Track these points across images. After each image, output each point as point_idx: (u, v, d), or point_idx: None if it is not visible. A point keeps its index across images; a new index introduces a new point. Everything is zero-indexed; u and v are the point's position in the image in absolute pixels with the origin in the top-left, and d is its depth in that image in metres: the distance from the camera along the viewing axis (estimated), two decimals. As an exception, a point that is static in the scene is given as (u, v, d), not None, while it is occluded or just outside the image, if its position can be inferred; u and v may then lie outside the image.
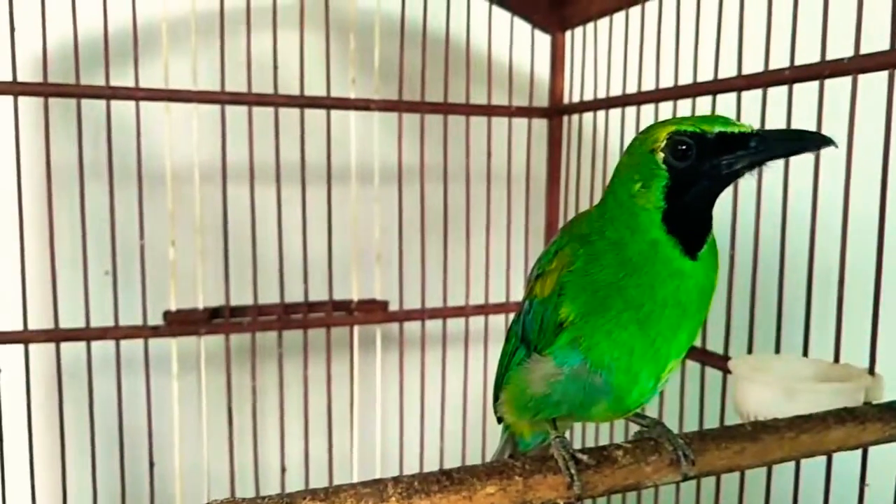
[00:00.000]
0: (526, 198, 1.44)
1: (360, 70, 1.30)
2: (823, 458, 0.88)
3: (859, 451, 0.82)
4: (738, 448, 0.67)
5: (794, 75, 0.96)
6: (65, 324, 1.15)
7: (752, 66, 1.02)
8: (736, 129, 0.61)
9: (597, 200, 1.33)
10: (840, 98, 0.91)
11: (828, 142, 0.59)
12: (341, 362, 1.33)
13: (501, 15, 1.39)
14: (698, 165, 0.61)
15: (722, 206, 1.06)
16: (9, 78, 1.09)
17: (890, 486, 0.84)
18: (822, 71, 0.92)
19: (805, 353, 0.97)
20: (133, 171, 1.18)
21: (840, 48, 0.90)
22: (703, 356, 1.12)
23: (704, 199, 0.63)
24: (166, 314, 1.22)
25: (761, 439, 0.67)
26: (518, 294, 1.45)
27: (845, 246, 0.91)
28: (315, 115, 1.26)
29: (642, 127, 1.22)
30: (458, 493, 0.59)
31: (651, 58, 1.21)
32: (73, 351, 1.18)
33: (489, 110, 1.38)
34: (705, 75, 1.10)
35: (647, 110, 1.21)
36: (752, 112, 1.01)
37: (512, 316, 1.41)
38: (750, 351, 1.04)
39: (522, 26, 1.42)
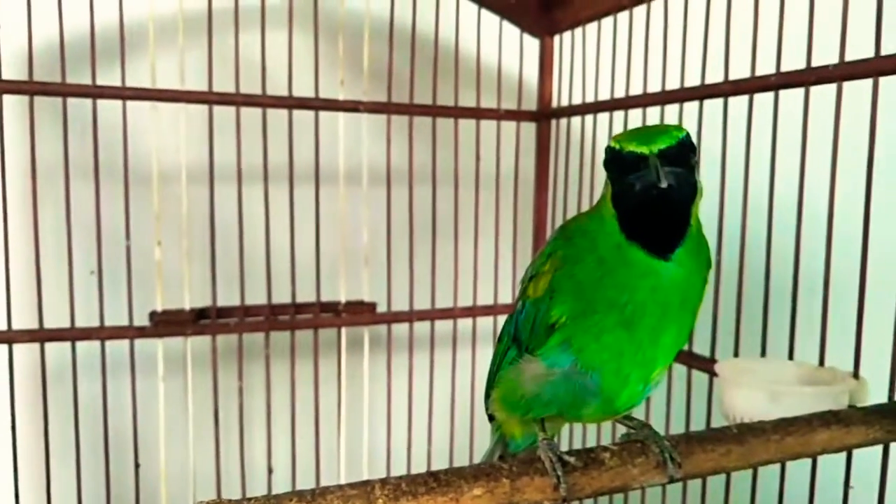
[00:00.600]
0: (514, 201, 1.45)
1: (348, 72, 1.30)
2: (808, 461, 0.89)
3: (844, 454, 0.83)
4: (724, 450, 0.67)
5: (780, 81, 0.97)
6: (49, 324, 1.14)
7: (739, 72, 1.03)
8: (640, 151, 0.61)
9: (585, 204, 1.34)
10: (825, 104, 0.92)
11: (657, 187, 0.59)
12: (329, 364, 1.32)
13: (490, 18, 1.40)
14: (618, 179, 0.63)
15: (709, 210, 1.08)
16: (-6, 76, 1.09)
17: (874, 488, 0.85)
18: (808, 77, 0.93)
19: (790, 357, 0.98)
20: (119, 171, 1.17)
21: (826, 55, 0.91)
22: (690, 359, 1.13)
23: (639, 210, 0.62)
24: (152, 315, 1.21)
25: (747, 442, 0.68)
26: (506, 296, 1.45)
27: (830, 250, 0.92)
28: (303, 117, 1.26)
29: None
30: (446, 495, 0.59)
31: (639, 63, 1.22)
32: (57, 351, 1.17)
33: (478, 113, 1.38)
34: (692, 80, 1.11)
35: (635, 115, 1.22)
36: (738, 118, 1.02)
37: (500, 318, 1.42)
38: (736, 354, 1.05)
39: (511, 30, 1.42)
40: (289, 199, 1.24)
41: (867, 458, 0.83)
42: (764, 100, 1.00)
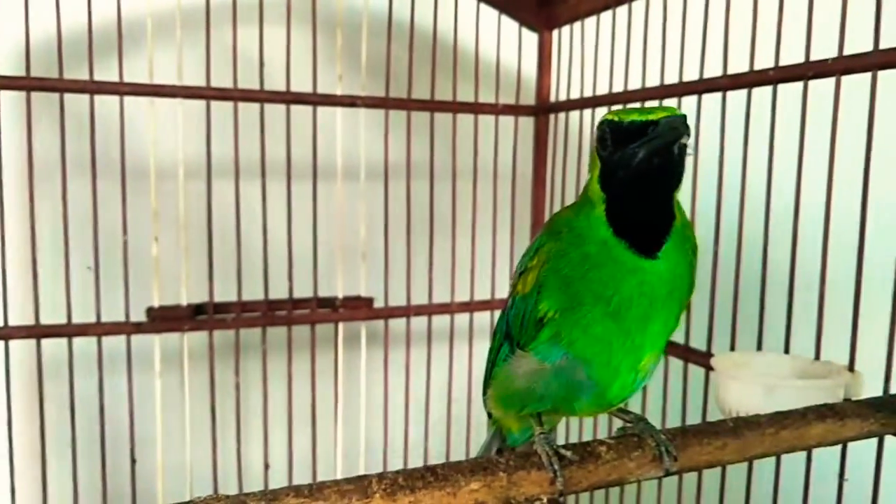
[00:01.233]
0: (512, 195, 1.45)
1: (346, 67, 1.29)
2: (803, 454, 0.89)
3: (839, 447, 0.83)
4: (719, 444, 0.67)
5: (778, 75, 0.97)
6: (46, 320, 1.14)
7: (738, 66, 1.03)
8: (645, 118, 0.60)
9: (582, 198, 1.34)
10: (824, 98, 0.92)
11: (680, 137, 0.58)
12: (326, 359, 1.32)
13: (489, 12, 1.39)
14: (614, 153, 0.62)
15: (705, 205, 1.08)
16: (-10, 71, 1.08)
17: (868, 481, 0.85)
18: (807, 71, 0.93)
19: (786, 351, 0.98)
20: (116, 166, 1.17)
21: (824, 49, 0.91)
22: (686, 353, 1.13)
23: (631, 188, 0.62)
24: (149, 310, 1.21)
25: (743, 435, 0.68)
26: (503, 292, 1.45)
27: (827, 244, 0.92)
28: (301, 112, 1.25)
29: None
30: (443, 490, 0.59)
31: (638, 57, 1.21)
32: (54, 347, 1.16)
33: (476, 108, 1.38)
34: (691, 75, 1.11)
35: (633, 109, 1.22)
36: (737, 111, 1.02)
37: (497, 313, 1.42)
38: (732, 348, 1.05)
39: (510, 24, 1.42)
40: (286, 195, 1.24)
41: (862, 450, 0.83)
42: (762, 94, 1.00)
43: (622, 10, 1.25)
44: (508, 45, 1.41)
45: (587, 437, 1.23)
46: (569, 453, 0.63)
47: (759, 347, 1.02)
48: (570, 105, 1.38)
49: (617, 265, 0.63)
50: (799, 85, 0.95)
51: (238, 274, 1.24)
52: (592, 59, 1.32)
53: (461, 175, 1.38)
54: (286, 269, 1.26)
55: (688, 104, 1.11)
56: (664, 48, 1.16)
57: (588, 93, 1.34)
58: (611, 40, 1.27)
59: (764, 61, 0.99)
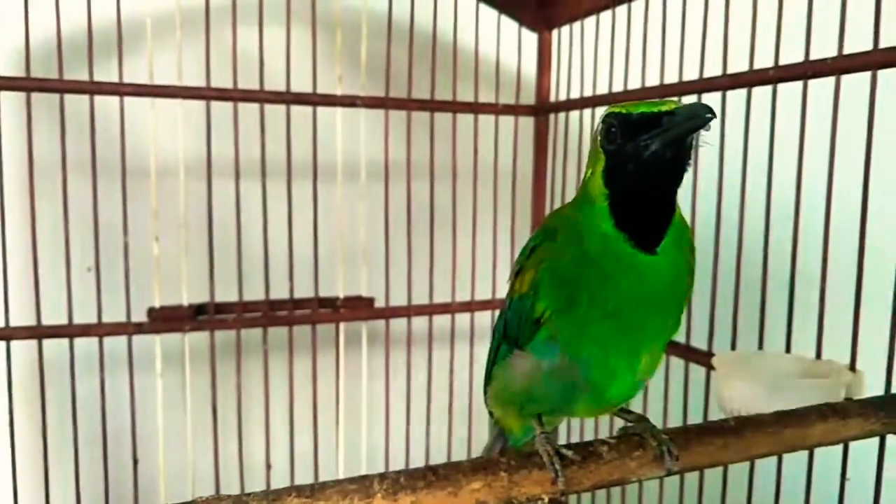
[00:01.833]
0: (512, 195, 1.45)
1: (346, 67, 1.29)
2: (805, 453, 0.89)
3: (840, 447, 0.83)
4: (721, 443, 0.67)
5: (778, 75, 0.97)
6: (47, 320, 1.14)
7: (737, 65, 1.03)
8: (657, 109, 0.59)
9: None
10: (823, 97, 0.92)
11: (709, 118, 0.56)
12: (327, 359, 1.32)
13: (489, 12, 1.39)
14: (623, 146, 0.60)
15: (706, 204, 1.08)
16: (-10, 72, 1.08)
17: (870, 480, 0.85)
18: (806, 71, 0.93)
19: (788, 350, 0.98)
20: (117, 167, 1.17)
21: (824, 48, 0.91)
22: (687, 352, 1.13)
23: (639, 183, 0.60)
24: (150, 311, 1.21)
25: (744, 435, 0.68)
26: (504, 291, 1.45)
27: (827, 243, 0.92)
28: (301, 112, 1.25)
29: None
30: (444, 489, 0.59)
31: (637, 57, 1.21)
32: (55, 348, 1.16)
33: (476, 108, 1.38)
34: (691, 74, 1.11)
35: (633, 109, 1.22)
36: (737, 111, 1.02)
37: (497, 313, 1.41)
38: (733, 347, 1.05)
39: (509, 24, 1.42)
40: (286, 195, 1.24)
41: (864, 450, 0.83)
42: (762, 93, 1.00)
43: (622, 10, 1.25)
44: (508, 44, 1.41)
45: (588, 437, 1.23)
46: (570, 453, 0.63)
47: (761, 346, 1.02)
48: (569, 105, 1.38)
49: (615, 261, 0.62)
50: (799, 84, 0.95)
51: (239, 274, 1.24)
52: (592, 58, 1.32)
53: (461, 175, 1.38)
54: (287, 270, 1.26)
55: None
56: (664, 48, 1.16)
57: (588, 92, 1.34)
58: (610, 40, 1.27)
59: (764, 60, 0.99)
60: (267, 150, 1.22)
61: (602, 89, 1.30)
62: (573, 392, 0.67)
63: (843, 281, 0.90)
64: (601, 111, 1.30)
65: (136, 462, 1.22)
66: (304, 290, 1.29)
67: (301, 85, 1.25)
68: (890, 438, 0.82)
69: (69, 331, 1.15)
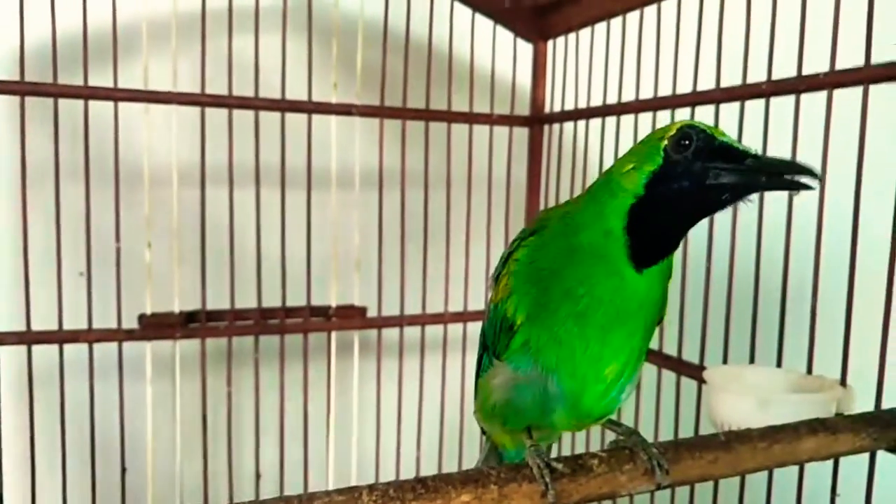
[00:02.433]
0: (506, 205, 1.45)
1: (342, 75, 1.29)
2: (796, 468, 0.89)
3: (831, 462, 0.83)
4: (711, 457, 0.67)
5: (771, 89, 0.97)
6: (37, 326, 1.13)
7: (731, 79, 1.04)
8: (740, 147, 0.59)
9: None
10: (816, 112, 0.92)
11: (808, 185, 0.58)
12: (318, 368, 1.32)
13: (484, 23, 1.40)
14: (691, 162, 0.59)
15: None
16: (-16, 76, 1.08)
17: (860, 496, 0.85)
18: (799, 85, 0.94)
19: (779, 365, 0.98)
20: (110, 173, 1.17)
21: (816, 63, 0.92)
22: (679, 366, 1.13)
23: (680, 203, 0.60)
24: (141, 317, 1.21)
25: (735, 449, 0.68)
26: (497, 302, 1.45)
27: (819, 259, 0.92)
28: (296, 120, 1.25)
29: (622, 137, 1.23)
30: (433, 501, 0.58)
31: (632, 69, 1.22)
32: (45, 354, 1.16)
33: (471, 118, 1.39)
34: (685, 87, 1.11)
35: (627, 121, 1.23)
36: (730, 124, 1.03)
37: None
38: (725, 361, 1.05)
39: (505, 35, 1.43)
40: (280, 203, 1.24)
41: (854, 465, 0.83)
42: (755, 107, 1.00)
43: (616, 22, 1.25)
44: (503, 55, 1.42)
45: (579, 450, 1.23)
46: (560, 466, 0.63)
47: (752, 361, 1.02)
48: (564, 116, 1.39)
49: (602, 262, 0.62)
50: (791, 98, 0.95)
51: (231, 282, 1.23)
52: (587, 70, 1.33)
53: (456, 184, 1.38)
54: (279, 278, 1.25)
55: (681, 116, 1.12)
56: (658, 60, 1.17)
57: (582, 104, 1.34)
58: (605, 52, 1.27)
59: (757, 75, 1.00)
60: (261, 157, 1.22)
61: (596, 101, 1.31)
62: (548, 402, 0.67)
63: (834, 296, 0.91)
64: (595, 122, 1.31)
65: (124, 470, 1.21)
66: (296, 299, 1.28)
67: (296, 93, 1.25)
68: (880, 454, 0.82)
69: (59, 337, 1.15)
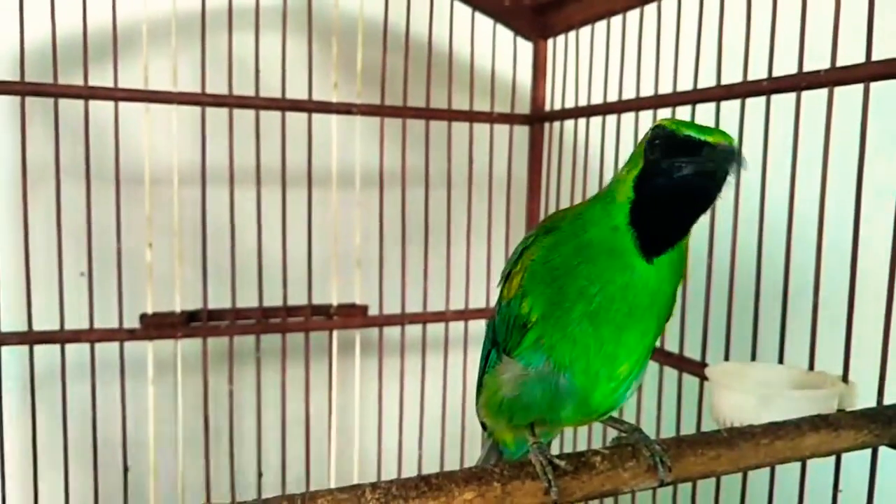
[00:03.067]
0: (507, 204, 1.45)
1: (342, 74, 1.29)
2: (798, 465, 0.89)
3: (833, 458, 0.83)
4: (714, 454, 0.67)
5: (771, 86, 0.97)
6: (39, 326, 1.13)
7: (731, 76, 1.03)
8: (702, 137, 0.60)
9: (577, 207, 1.34)
10: (817, 109, 0.92)
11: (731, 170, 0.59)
12: (320, 367, 1.32)
13: (484, 21, 1.40)
14: (661, 160, 0.61)
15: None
16: (-16, 76, 1.08)
17: (862, 492, 0.85)
18: (800, 82, 0.94)
19: (780, 361, 0.98)
20: (111, 172, 1.17)
21: (817, 60, 0.92)
22: (681, 363, 1.13)
23: (662, 198, 0.62)
24: (143, 317, 1.21)
25: (737, 446, 0.68)
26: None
27: (820, 255, 0.92)
28: (296, 119, 1.25)
29: (623, 135, 1.23)
30: (437, 499, 0.58)
31: (632, 67, 1.22)
32: (46, 353, 1.16)
33: (471, 116, 1.39)
34: (685, 85, 1.11)
35: (628, 119, 1.23)
36: (730, 122, 1.03)
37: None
38: (727, 358, 1.05)
39: (505, 33, 1.43)
40: (281, 201, 1.24)
41: (856, 462, 0.83)
42: (756, 104, 1.00)
43: (617, 20, 1.25)
44: (503, 54, 1.42)
45: (582, 447, 1.23)
46: (563, 463, 0.63)
47: (754, 357, 1.02)
48: (564, 114, 1.39)
49: (613, 255, 0.63)
50: (792, 96, 0.95)
51: (232, 281, 1.23)
52: (587, 68, 1.33)
53: (456, 183, 1.38)
54: (281, 277, 1.25)
55: (682, 114, 1.11)
56: (658, 58, 1.17)
57: (583, 102, 1.34)
58: (605, 50, 1.27)
59: (757, 72, 1.00)
60: (262, 156, 1.22)
61: (597, 99, 1.31)
62: (559, 398, 0.67)
63: (836, 292, 0.91)
64: (596, 120, 1.31)
65: (126, 469, 1.21)
66: (297, 298, 1.28)
67: (297, 92, 1.25)
68: (882, 450, 0.82)
69: (61, 336, 1.15)
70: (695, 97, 1.08)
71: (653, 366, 1.15)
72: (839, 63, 0.89)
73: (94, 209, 1.15)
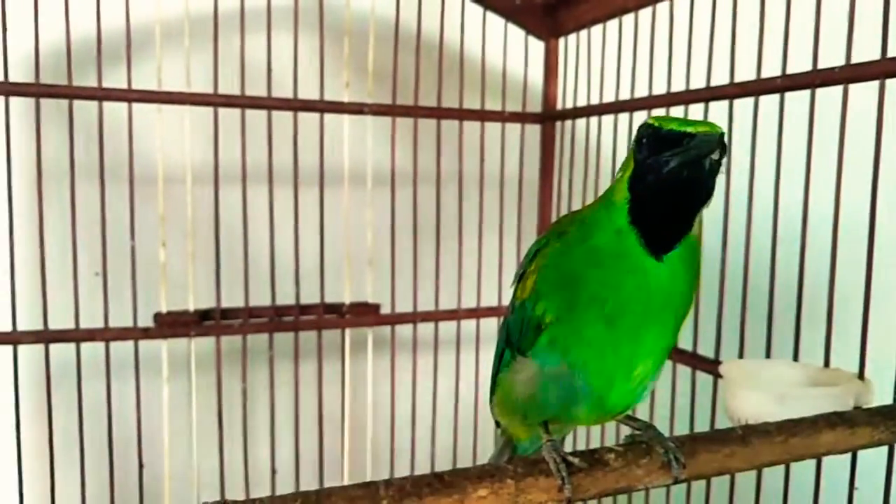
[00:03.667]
0: (518, 202, 1.45)
1: (354, 74, 1.30)
2: (813, 462, 0.89)
3: (849, 456, 0.83)
4: (728, 452, 0.67)
5: (785, 84, 0.96)
6: (54, 325, 1.14)
7: (745, 73, 1.03)
8: (683, 129, 0.60)
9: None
10: (831, 106, 0.92)
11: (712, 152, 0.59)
12: (332, 365, 1.32)
13: (495, 20, 1.40)
14: (647, 158, 0.62)
15: (713, 211, 1.08)
16: (0, 78, 1.09)
17: (879, 489, 0.84)
18: (814, 80, 0.93)
19: (795, 358, 0.98)
20: (125, 173, 1.18)
21: (832, 57, 0.91)
22: (694, 360, 1.12)
23: (656, 195, 0.62)
24: (156, 316, 1.21)
25: (751, 443, 0.68)
26: (510, 298, 1.45)
27: (835, 252, 0.92)
28: (308, 119, 1.26)
29: (634, 134, 1.23)
30: (450, 496, 0.59)
31: (644, 65, 1.22)
32: (62, 352, 1.17)
33: (482, 115, 1.39)
34: (698, 83, 1.11)
35: (640, 117, 1.21)
36: (744, 120, 1.02)
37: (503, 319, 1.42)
38: (741, 355, 1.05)
39: (516, 32, 1.42)
40: (293, 201, 1.25)
41: (872, 459, 0.82)
42: (769, 102, 1.00)
43: (629, 18, 1.25)
44: (515, 52, 1.42)
45: (595, 445, 1.23)
46: (577, 461, 0.63)
47: (768, 355, 1.01)
48: (576, 113, 1.39)
49: (622, 258, 0.63)
50: (806, 93, 0.95)
51: (245, 280, 1.24)
52: (599, 66, 1.32)
53: (467, 182, 1.38)
54: (293, 275, 1.26)
55: (694, 112, 1.11)
56: (671, 56, 1.17)
57: (594, 100, 1.34)
58: (617, 48, 1.27)
59: (771, 69, 0.99)
60: (274, 156, 1.23)
61: (609, 97, 1.30)
62: (574, 398, 0.67)
63: (851, 289, 0.90)
64: (608, 119, 1.31)
65: (141, 466, 1.22)
66: (309, 297, 1.29)
67: (308, 92, 1.25)
68: (899, 448, 0.81)
69: (76, 335, 1.16)
70: (707, 95, 1.08)
71: (666, 363, 1.15)
72: (854, 60, 0.89)
73: (108, 209, 1.16)
